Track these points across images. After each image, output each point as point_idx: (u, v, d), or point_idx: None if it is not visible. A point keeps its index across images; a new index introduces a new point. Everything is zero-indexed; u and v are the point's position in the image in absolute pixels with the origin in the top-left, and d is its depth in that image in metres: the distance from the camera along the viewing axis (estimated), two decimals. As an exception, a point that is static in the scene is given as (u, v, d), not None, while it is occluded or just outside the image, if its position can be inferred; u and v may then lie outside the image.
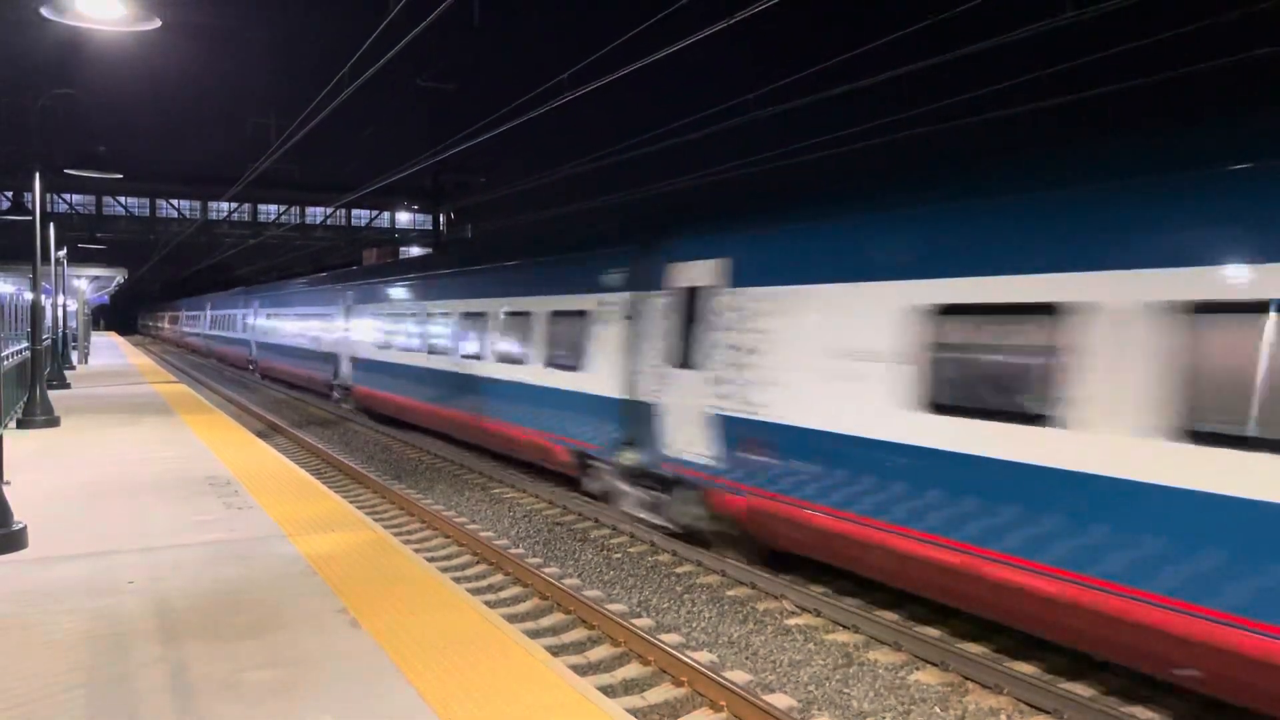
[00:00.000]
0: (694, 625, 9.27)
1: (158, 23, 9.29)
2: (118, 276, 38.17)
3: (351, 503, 12.73)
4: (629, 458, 12.43)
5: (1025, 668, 7.94)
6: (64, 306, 31.61)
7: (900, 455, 8.03)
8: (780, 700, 7.32)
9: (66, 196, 69.08)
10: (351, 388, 26.39)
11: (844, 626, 9.05)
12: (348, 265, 36.35)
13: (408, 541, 12.46)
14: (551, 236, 18.23)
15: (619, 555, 11.82)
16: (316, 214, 77.53)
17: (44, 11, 8.73)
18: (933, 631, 8.83)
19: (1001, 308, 7.33)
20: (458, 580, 10.31)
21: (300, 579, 6.85)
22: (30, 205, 15.51)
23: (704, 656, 8.31)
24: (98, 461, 12.05)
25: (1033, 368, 7.08)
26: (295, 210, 76.80)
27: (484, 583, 10.70)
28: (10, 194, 52.73)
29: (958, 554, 7.55)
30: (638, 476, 12.47)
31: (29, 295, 20.45)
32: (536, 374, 14.96)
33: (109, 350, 48.62)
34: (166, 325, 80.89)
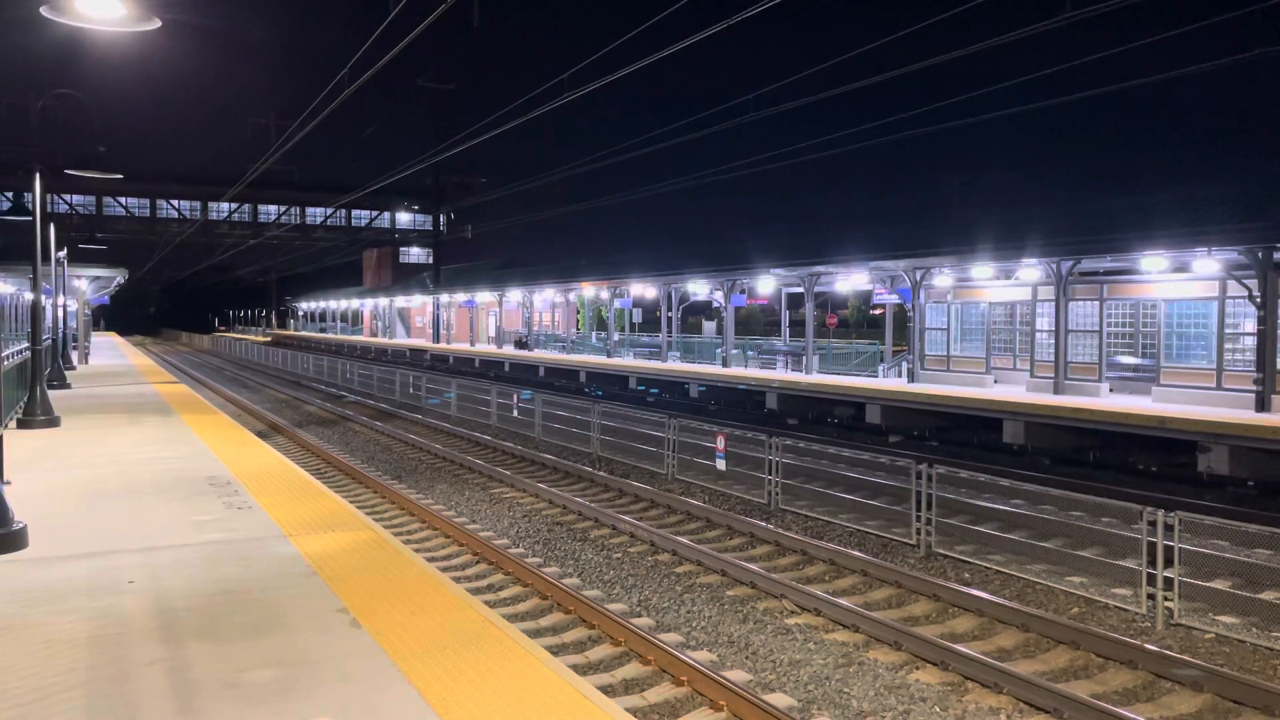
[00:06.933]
0: (694, 625, 9.27)
1: (158, 23, 9.27)
2: (118, 277, 38.11)
3: (351, 503, 12.72)
4: None
5: (1025, 668, 7.94)
6: (64, 307, 31.58)
7: None
8: (780, 699, 7.32)
9: (66, 196, 69.14)
10: None
11: (844, 626, 9.05)
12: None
13: (408, 541, 12.46)
14: None
15: (619, 555, 11.82)
16: (317, 214, 77.64)
17: (44, 11, 8.71)
18: (933, 631, 8.83)
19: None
20: (458, 580, 10.31)
21: (300, 579, 6.84)
22: (30, 205, 15.48)
23: (704, 656, 8.31)
24: (98, 461, 12.04)
25: None
26: (295, 211, 76.87)
27: (484, 582, 10.71)
28: (10, 194, 52.72)
29: None
30: None
31: (29, 296, 20.45)
32: None
33: (109, 350, 48.61)
34: None
